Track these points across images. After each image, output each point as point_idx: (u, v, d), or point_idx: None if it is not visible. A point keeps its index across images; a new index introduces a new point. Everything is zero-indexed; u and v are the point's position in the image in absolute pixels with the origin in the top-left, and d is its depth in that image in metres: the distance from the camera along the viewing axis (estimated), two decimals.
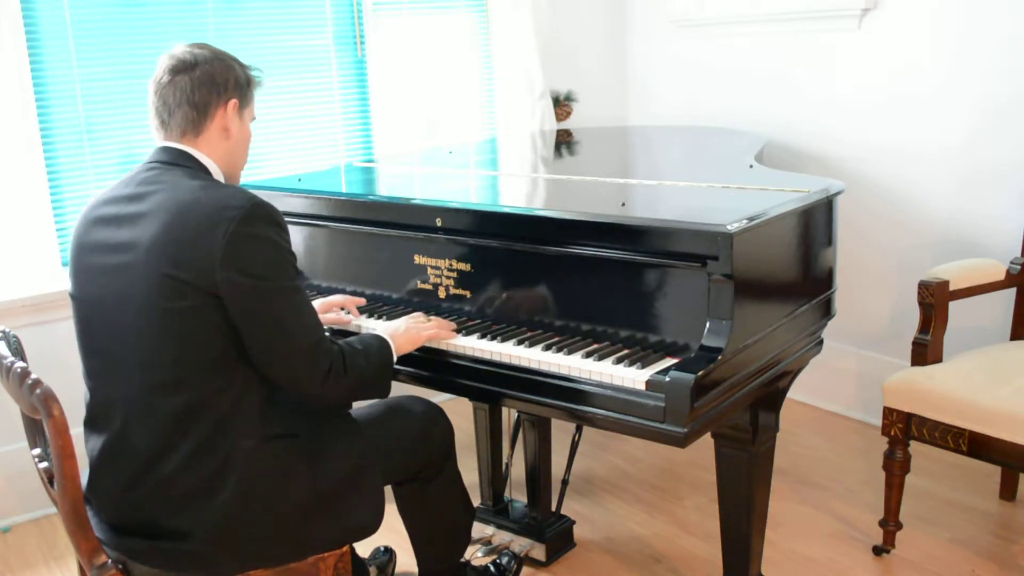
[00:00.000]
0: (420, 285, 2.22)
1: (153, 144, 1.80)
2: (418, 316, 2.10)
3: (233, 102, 1.79)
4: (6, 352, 1.65)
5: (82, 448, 1.70)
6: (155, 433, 1.64)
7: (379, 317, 2.21)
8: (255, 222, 1.63)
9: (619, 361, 1.82)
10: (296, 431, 1.76)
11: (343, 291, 2.37)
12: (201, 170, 1.76)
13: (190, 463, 1.64)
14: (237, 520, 1.65)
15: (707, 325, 1.78)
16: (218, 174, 1.80)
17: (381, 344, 1.88)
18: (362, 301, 2.27)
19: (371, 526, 1.81)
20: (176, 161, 1.75)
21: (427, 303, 2.21)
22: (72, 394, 1.74)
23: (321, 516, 1.73)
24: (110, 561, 1.63)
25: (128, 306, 1.64)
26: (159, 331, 1.62)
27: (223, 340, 1.64)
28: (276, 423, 1.73)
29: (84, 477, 1.75)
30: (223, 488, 1.64)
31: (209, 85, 1.76)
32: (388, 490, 2.03)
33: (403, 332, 1.97)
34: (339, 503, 1.76)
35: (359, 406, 2.00)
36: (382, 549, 2.49)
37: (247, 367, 1.68)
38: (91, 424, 1.75)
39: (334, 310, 2.21)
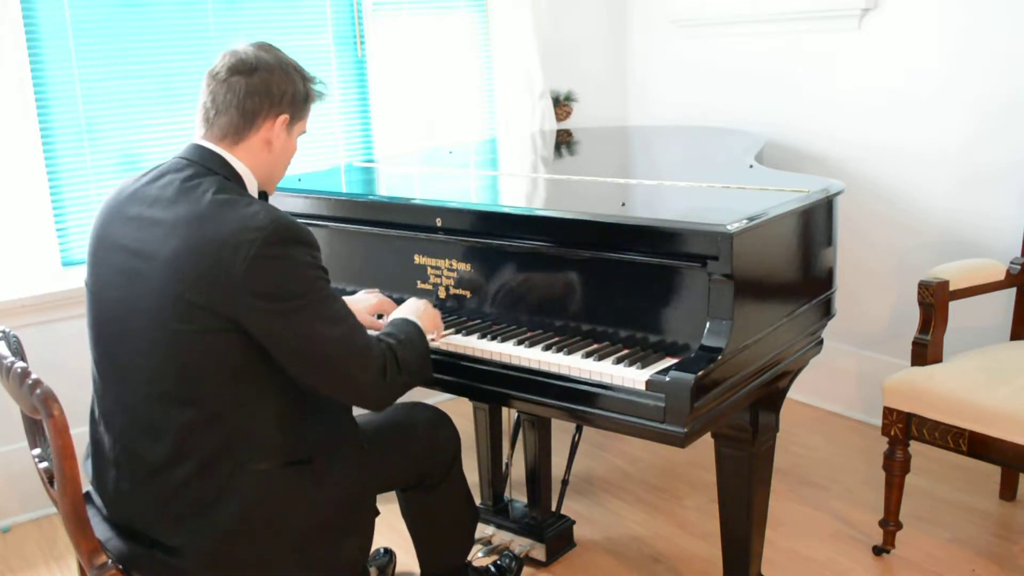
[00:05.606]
0: (420, 285, 2.22)
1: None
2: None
3: (283, 117, 1.71)
4: (6, 352, 1.65)
5: (83, 446, 1.70)
6: (158, 446, 1.60)
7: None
8: (277, 244, 1.54)
9: (619, 361, 1.82)
10: (310, 456, 1.69)
11: (342, 291, 2.37)
12: (233, 178, 1.68)
13: (191, 480, 1.59)
14: (231, 544, 1.61)
15: (707, 325, 1.78)
16: (252, 183, 1.72)
17: (418, 330, 1.82)
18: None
19: (359, 562, 1.76)
20: (208, 165, 1.67)
21: None
22: (72, 394, 1.74)
23: (312, 551, 1.67)
24: (110, 561, 1.63)
25: (139, 317, 1.59)
26: (166, 349, 1.57)
27: (235, 362, 1.58)
28: (294, 448, 1.66)
29: (86, 465, 1.73)
30: (222, 509, 1.60)
31: (263, 94, 1.67)
32: (389, 494, 2.03)
33: (423, 313, 1.91)
34: (332, 539, 1.70)
35: (362, 416, 1.98)
36: (382, 550, 2.49)
37: (261, 389, 1.62)
38: (97, 421, 1.72)
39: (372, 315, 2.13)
